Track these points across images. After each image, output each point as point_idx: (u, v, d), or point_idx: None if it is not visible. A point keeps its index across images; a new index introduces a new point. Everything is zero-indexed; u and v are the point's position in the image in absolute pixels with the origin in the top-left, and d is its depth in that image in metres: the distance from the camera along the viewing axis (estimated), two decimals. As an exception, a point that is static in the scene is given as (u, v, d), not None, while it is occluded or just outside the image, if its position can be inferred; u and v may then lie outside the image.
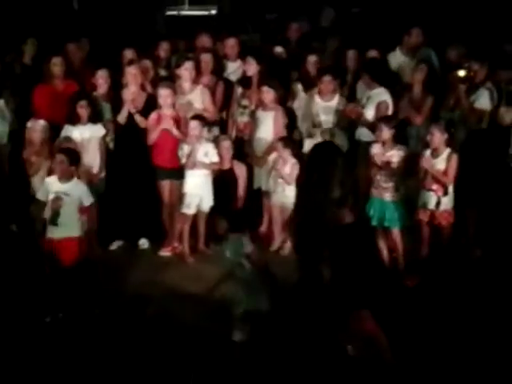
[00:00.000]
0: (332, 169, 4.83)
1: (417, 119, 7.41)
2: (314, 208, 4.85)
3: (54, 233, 6.30)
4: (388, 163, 6.78)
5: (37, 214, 6.65)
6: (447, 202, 6.66)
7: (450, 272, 6.62)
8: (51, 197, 6.31)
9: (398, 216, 6.81)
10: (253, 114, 7.73)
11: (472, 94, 7.24)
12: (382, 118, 7.06)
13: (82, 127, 7.37)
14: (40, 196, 6.48)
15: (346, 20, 9.90)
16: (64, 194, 6.31)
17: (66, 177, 6.36)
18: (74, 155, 6.49)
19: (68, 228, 6.30)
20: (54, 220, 6.26)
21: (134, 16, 9.27)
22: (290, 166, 7.40)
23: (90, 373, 5.27)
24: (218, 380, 5.20)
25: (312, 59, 8.01)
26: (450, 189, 6.68)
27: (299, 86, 7.96)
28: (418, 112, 7.40)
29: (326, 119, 7.59)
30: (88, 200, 6.48)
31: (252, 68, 7.79)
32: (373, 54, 7.99)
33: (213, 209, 7.37)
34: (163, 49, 8.28)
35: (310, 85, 7.87)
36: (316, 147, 5.24)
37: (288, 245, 7.45)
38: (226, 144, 7.48)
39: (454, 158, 6.64)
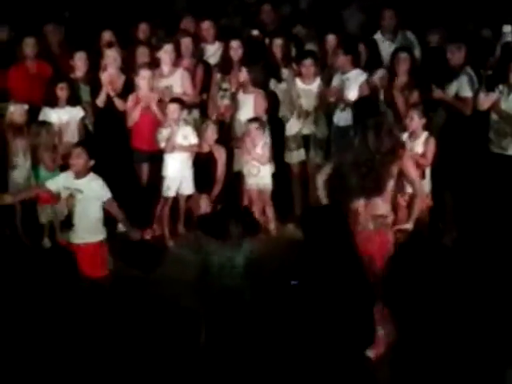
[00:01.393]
0: None
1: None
2: None
3: (71, 237, 6.01)
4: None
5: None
6: (424, 186, 6.67)
7: (427, 256, 6.66)
8: (64, 194, 5.96)
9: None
10: (233, 97, 7.70)
11: (452, 81, 7.22)
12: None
13: (61, 110, 7.34)
14: (51, 186, 6.07)
15: (325, 3, 9.86)
16: (77, 191, 5.92)
17: (83, 173, 5.92)
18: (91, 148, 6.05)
19: (85, 232, 5.95)
20: (70, 221, 5.92)
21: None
22: (261, 147, 7.42)
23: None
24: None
25: (278, 42, 7.95)
26: (427, 172, 6.70)
27: (284, 71, 7.93)
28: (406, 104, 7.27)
29: (307, 102, 7.58)
30: (106, 195, 5.97)
31: (238, 52, 7.77)
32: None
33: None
34: (142, 30, 8.22)
35: (275, 68, 7.85)
36: None
37: (272, 226, 7.52)
38: (212, 128, 7.45)
39: (432, 141, 6.66)
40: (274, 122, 7.69)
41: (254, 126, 7.39)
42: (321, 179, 5.85)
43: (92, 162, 5.96)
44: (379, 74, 7.48)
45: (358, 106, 6.41)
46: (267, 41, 8.15)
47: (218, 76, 7.87)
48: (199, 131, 7.45)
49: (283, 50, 7.94)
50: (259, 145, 7.43)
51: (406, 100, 7.17)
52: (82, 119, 7.48)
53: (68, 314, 5.64)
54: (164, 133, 7.29)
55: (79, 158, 5.91)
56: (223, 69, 7.85)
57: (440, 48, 7.50)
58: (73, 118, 7.39)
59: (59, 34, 8.17)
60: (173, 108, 7.28)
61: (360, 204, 5.62)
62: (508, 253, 6.78)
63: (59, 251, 6.80)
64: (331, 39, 7.92)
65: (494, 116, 7.13)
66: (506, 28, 7.86)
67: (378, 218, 5.62)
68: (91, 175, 5.97)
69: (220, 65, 7.93)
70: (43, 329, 5.49)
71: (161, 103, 7.48)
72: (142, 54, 7.77)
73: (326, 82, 7.65)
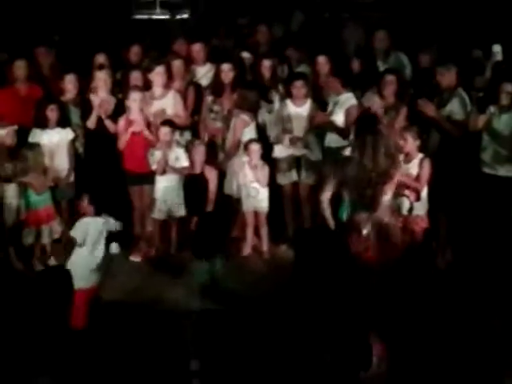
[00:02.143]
0: None
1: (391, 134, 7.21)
2: None
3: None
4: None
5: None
6: (420, 208, 6.65)
7: (421, 277, 6.63)
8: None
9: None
10: (226, 119, 7.69)
11: (445, 103, 7.21)
12: (352, 123, 7.04)
13: (51, 131, 7.32)
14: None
15: (316, 25, 9.90)
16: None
17: None
18: None
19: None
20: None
21: (104, 20, 9.20)
22: (260, 169, 7.40)
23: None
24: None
25: (267, 64, 7.95)
26: (424, 194, 6.67)
27: (274, 92, 7.93)
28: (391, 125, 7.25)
29: (298, 125, 7.54)
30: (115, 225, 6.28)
31: (229, 75, 7.77)
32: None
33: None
34: (134, 53, 8.21)
35: (264, 89, 7.85)
36: None
37: (265, 247, 7.49)
38: (201, 149, 7.44)
39: (427, 163, 6.64)
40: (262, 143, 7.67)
41: (254, 147, 7.38)
42: (325, 198, 5.85)
43: None
44: (366, 96, 7.47)
45: (359, 123, 6.41)
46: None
47: (209, 98, 7.86)
48: (193, 153, 7.43)
49: (272, 72, 7.94)
50: (258, 166, 7.41)
51: (392, 121, 7.15)
52: (73, 141, 7.46)
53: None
54: (156, 155, 7.28)
55: None
56: (215, 91, 7.84)
57: (430, 70, 7.50)
58: (63, 140, 7.38)
59: (50, 57, 8.15)
60: (165, 131, 7.28)
61: (361, 218, 5.61)
62: (501, 273, 6.77)
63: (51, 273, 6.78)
64: (321, 60, 7.90)
65: (485, 137, 7.12)
66: (496, 48, 7.89)
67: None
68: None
69: (211, 87, 7.92)
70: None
71: (152, 124, 7.45)
72: (135, 78, 7.76)
73: (318, 104, 7.64)
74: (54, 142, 7.30)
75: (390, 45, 8.18)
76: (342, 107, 7.42)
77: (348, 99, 7.45)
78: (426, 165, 6.63)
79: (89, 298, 6.04)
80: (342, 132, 7.29)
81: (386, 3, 10.40)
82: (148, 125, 7.43)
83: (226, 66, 7.80)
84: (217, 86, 7.84)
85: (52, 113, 7.27)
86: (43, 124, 7.28)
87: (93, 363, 5.43)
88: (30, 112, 7.36)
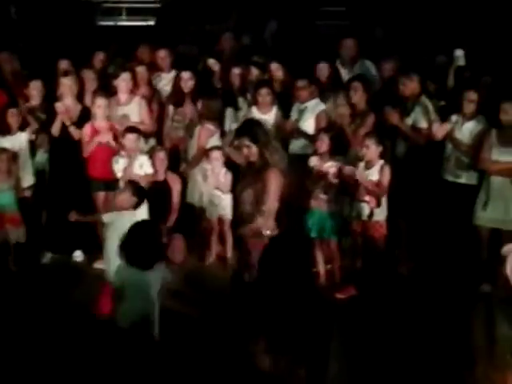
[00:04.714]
0: None
1: (355, 142, 7.20)
2: None
3: None
4: (325, 175, 6.83)
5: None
6: (380, 214, 6.69)
7: (383, 284, 6.66)
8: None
9: (335, 227, 6.87)
10: (188, 128, 7.69)
11: (409, 111, 7.24)
12: (322, 129, 7.11)
13: (12, 137, 7.29)
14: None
15: (289, 33, 9.92)
16: None
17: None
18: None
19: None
20: None
21: (69, 26, 9.17)
22: (223, 176, 7.41)
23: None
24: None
25: (236, 71, 7.97)
26: (384, 201, 6.71)
27: (242, 100, 7.94)
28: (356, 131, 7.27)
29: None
30: None
31: (188, 83, 7.76)
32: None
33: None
34: (99, 59, 8.19)
35: (232, 97, 7.85)
36: None
37: (229, 254, 7.48)
38: (161, 155, 7.43)
39: (387, 169, 6.67)
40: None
41: (215, 155, 7.38)
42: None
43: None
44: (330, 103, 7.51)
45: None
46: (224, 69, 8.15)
47: (170, 108, 7.86)
48: (154, 160, 7.41)
49: (241, 79, 7.95)
50: (221, 173, 7.42)
51: (357, 129, 7.19)
52: (33, 144, 7.46)
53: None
54: (120, 162, 7.26)
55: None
56: (174, 100, 7.83)
57: (392, 79, 7.54)
58: (24, 145, 7.35)
59: (13, 63, 8.09)
60: (131, 138, 7.24)
61: None
62: (462, 279, 6.82)
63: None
64: (274, 67, 7.90)
65: (449, 145, 7.18)
66: (459, 52, 7.89)
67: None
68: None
69: (171, 96, 7.91)
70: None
71: (117, 131, 7.43)
72: (90, 79, 7.77)
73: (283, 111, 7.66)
74: (16, 148, 7.27)
75: (357, 53, 8.21)
76: (312, 113, 7.46)
77: (317, 105, 7.50)
78: (386, 171, 6.66)
79: None
80: (312, 138, 7.32)
81: (357, 11, 10.44)
82: (113, 131, 7.41)
83: (185, 75, 7.78)
84: (177, 95, 7.83)
85: (12, 118, 7.24)
86: (5, 130, 7.25)
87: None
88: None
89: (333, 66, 8.01)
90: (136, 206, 6.13)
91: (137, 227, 5.17)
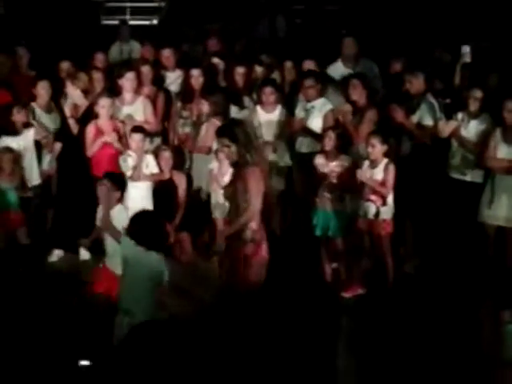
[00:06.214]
0: None
1: (357, 138, 7.27)
2: None
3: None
4: (330, 173, 6.82)
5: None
6: (386, 212, 6.69)
7: (389, 282, 6.68)
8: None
9: (341, 226, 6.86)
10: (195, 125, 7.69)
11: (415, 109, 7.25)
12: (329, 128, 7.11)
13: (18, 137, 7.24)
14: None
15: (289, 31, 9.95)
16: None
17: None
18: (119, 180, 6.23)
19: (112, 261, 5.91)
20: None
21: (73, 26, 9.19)
22: (229, 176, 7.40)
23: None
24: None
25: (240, 70, 7.98)
26: (390, 199, 6.71)
27: (246, 98, 7.94)
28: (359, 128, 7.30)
29: (267, 131, 7.55)
30: None
31: (198, 80, 7.77)
32: (309, 65, 7.98)
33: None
34: (99, 60, 8.20)
35: (236, 95, 7.86)
36: None
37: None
38: (166, 155, 7.42)
39: (391, 168, 6.66)
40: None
41: (222, 156, 7.35)
42: None
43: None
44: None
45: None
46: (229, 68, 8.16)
47: (178, 104, 7.86)
48: (159, 159, 7.40)
49: (245, 78, 7.95)
50: (227, 173, 7.39)
51: (357, 126, 7.21)
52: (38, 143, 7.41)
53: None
54: (129, 161, 7.24)
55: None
56: (184, 97, 7.84)
57: (399, 76, 7.55)
58: (30, 143, 7.31)
59: (10, 62, 8.05)
60: (137, 137, 7.22)
61: None
62: (468, 277, 6.83)
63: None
64: (289, 66, 7.92)
65: (454, 143, 7.19)
66: (465, 49, 7.91)
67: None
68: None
69: (181, 93, 7.92)
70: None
71: (121, 130, 7.44)
72: (97, 79, 7.81)
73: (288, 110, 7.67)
74: (22, 146, 7.23)
75: (358, 52, 8.22)
76: (320, 112, 7.47)
77: (324, 104, 7.50)
78: (391, 170, 6.66)
79: None
80: (319, 137, 7.31)
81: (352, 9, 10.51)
82: (117, 131, 7.42)
83: (195, 72, 7.81)
84: (187, 92, 7.84)
85: (18, 116, 7.20)
86: (10, 130, 7.21)
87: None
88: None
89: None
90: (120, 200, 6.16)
91: (143, 211, 5.22)
